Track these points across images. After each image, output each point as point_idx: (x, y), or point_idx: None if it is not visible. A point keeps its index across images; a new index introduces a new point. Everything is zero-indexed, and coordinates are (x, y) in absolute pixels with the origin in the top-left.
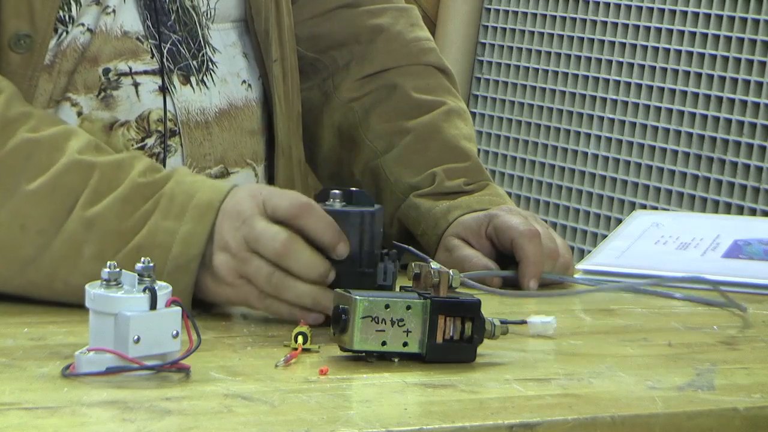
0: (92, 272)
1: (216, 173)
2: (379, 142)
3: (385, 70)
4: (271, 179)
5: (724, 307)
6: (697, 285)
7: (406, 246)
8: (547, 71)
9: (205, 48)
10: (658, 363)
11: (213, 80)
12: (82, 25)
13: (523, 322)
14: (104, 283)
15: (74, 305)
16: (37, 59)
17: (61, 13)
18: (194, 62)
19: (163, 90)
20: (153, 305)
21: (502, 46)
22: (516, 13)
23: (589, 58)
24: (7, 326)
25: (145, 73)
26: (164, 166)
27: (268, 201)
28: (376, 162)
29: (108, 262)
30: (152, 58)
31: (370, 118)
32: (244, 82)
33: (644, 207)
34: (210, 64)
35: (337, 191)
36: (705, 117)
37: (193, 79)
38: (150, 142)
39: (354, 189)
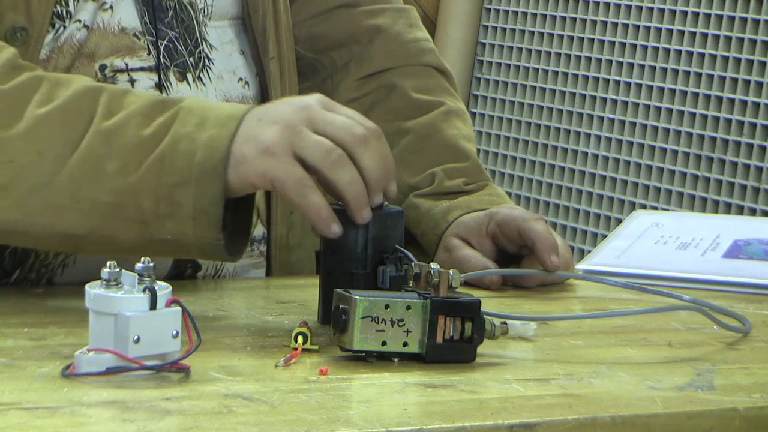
0: (120, 188)
1: None
2: None
3: (384, 70)
4: None
5: (722, 320)
6: (696, 285)
7: (404, 250)
8: (547, 71)
9: (202, 45)
10: (658, 363)
11: (209, 77)
12: (79, 21)
13: (504, 323)
14: (104, 283)
15: (75, 306)
16: (32, 53)
17: (57, 7)
18: (191, 59)
19: (160, 87)
20: (153, 305)
21: (502, 46)
22: (516, 13)
23: (589, 58)
24: (7, 326)
25: (142, 69)
26: None
27: (335, 104)
28: None
29: (108, 262)
30: (149, 54)
31: (369, 119)
32: (240, 79)
33: (644, 207)
34: (207, 60)
35: None
36: (705, 117)
37: (189, 76)
38: None
39: None
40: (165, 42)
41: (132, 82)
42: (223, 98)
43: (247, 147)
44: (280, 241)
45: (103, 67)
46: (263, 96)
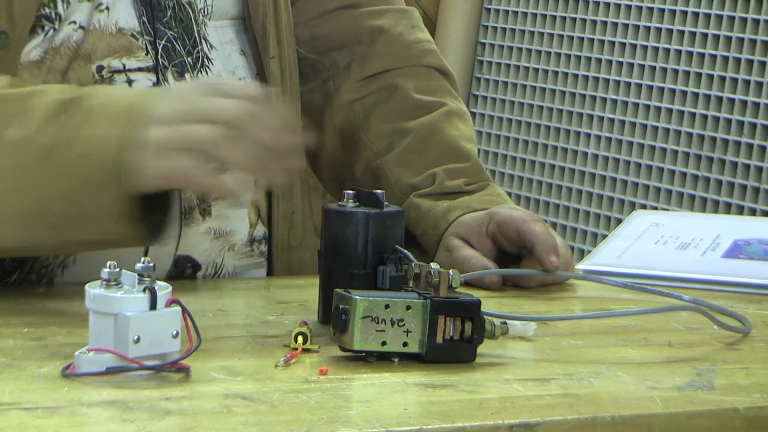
0: (34, 198)
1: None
2: (380, 142)
3: (386, 71)
4: None
5: (722, 320)
6: (696, 285)
7: (403, 250)
8: (547, 71)
9: (201, 44)
10: (658, 363)
11: (209, 76)
12: (74, 23)
13: (504, 323)
14: (104, 283)
15: (75, 306)
16: (13, 56)
17: (46, 10)
18: (189, 59)
19: (157, 86)
20: (153, 305)
21: (502, 46)
22: (516, 13)
23: (589, 58)
24: (7, 326)
25: (140, 70)
26: None
27: (220, 86)
28: (377, 163)
29: (108, 262)
30: (147, 54)
31: (370, 119)
32: (240, 79)
33: (644, 207)
34: (206, 60)
35: (350, 191)
36: (705, 117)
37: (188, 76)
38: None
39: (375, 191)
40: (163, 42)
41: (130, 82)
42: None
43: (144, 155)
44: (282, 241)
45: (100, 68)
46: None
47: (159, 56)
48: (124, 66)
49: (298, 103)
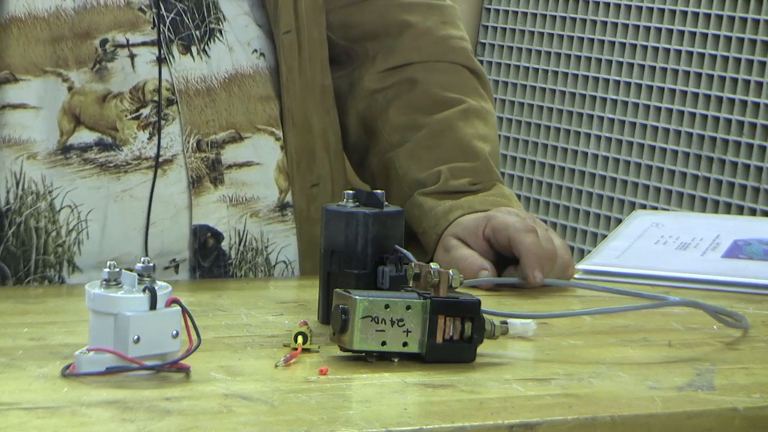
0: None
1: (226, 138)
2: (394, 135)
3: (409, 64)
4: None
5: (721, 319)
6: (696, 285)
7: (403, 250)
8: (547, 71)
9: (212, 17)
10: (658, 363)
11: (218, 48)
12: None
13: (504, 323)
14: (104, 283)
15: (75, 306)
16: None
17: None
18: (197, 32)
19: (160, 61)
20: (153, 305)
21: (502, 46)
22: (516, 13)
23: (589, 58)
24: (7, 326)
25: (143, 44)
26: (160, 134)
27: None
28: (389, 155)
29: (108, 262)
30: (153, 28)
31: (388, 111)
32: (255, 51)
33: (644, 207)
34: (218, 33)
35: (350, 191)
36: (705, 117)
37: (194, 49)
38: (145, 111)
39: (375, 191)
40: (172, 15)
41: (132, 56)
42: (233, 68)
43: None
44: (301, 212)
45: (104, 42)
46: (278, 68)
47: (166, 29)
48: (127, 41)
49: (324, 78)
